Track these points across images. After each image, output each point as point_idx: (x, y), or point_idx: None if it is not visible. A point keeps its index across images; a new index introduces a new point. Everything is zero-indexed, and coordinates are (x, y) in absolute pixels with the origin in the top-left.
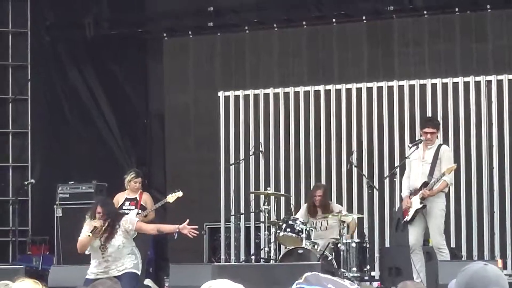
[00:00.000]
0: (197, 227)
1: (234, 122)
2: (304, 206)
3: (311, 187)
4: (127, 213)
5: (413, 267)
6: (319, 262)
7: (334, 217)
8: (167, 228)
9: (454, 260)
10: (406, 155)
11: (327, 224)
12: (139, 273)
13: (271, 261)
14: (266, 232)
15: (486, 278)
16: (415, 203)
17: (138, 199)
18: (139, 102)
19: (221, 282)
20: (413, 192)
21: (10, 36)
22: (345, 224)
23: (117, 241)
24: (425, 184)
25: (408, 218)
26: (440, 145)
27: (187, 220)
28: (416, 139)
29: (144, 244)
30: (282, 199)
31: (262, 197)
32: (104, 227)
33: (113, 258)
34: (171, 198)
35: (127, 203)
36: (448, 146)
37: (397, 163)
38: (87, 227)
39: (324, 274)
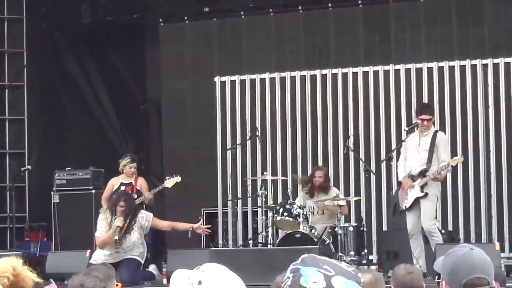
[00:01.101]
0: (210, 226)
1: (231, 107)
2: (301, 192)
3: (308, 171)
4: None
5: (412, 254)
6: (316, 246)
7: (331, 201)
8: (181, 226)
9: (451, 243)
10: (403, 139)
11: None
12: (142, 261)
13: (269, 245)
14: (264, 217)
15: (471, 264)
16: (415, 191)
17: (133, 183)
18: (136, 88)
19: (214, 267)
20: (410, 178)
21: (6, 22)
22: (342, 208)
23: (133, 237)
24: (423, 172)
25: (407, 205)
26: (436, 132)
27: (201, 220)
28: (413, 122)
29: None
30: (279, 183)
31: (259, 181)
32: (125, 224)
33: (125, 251)
34: (169, 183)
35: (122, 187)
36: (445, 131)
37: (393, 146)
38: (103, 223)
39: (321, 256)
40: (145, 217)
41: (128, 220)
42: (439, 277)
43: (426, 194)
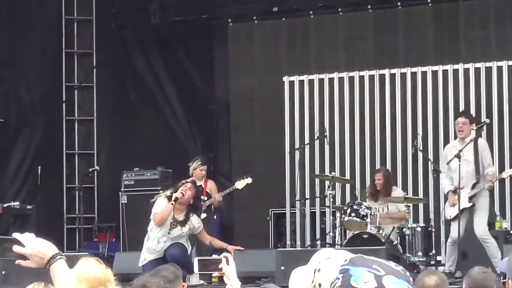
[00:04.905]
0: (242, 249)
1: (299, 107)
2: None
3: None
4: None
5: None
6: (384, 247)
7: (395, 203)
8: (218, 243)
9: None
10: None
11: (388, 209)
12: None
13: (336, 246)
14: (331, 217)
15: None
16: (463, 201)
17: (203, 186)
18: (205, 88)
19: (327, 252)
20: (455, 191)
21: (76, 23)
22: (410, 209)
23: (185, 228)
24: (474, 185)
25: (452, 216)
26: (476, 139)
27: (239, 247)
28: (481, 121)
29: (210, 229)
30: (347, 184)
31: (327, 182)
32: (182, 201)
33: (171, 240)
34: (240, 184)
35: None
36: None
37: None
38: (163, 200)
39: (369, 256)
40: (198, 221)
41: (186, 210)
42: (505, 277)
43: (473, 205)
